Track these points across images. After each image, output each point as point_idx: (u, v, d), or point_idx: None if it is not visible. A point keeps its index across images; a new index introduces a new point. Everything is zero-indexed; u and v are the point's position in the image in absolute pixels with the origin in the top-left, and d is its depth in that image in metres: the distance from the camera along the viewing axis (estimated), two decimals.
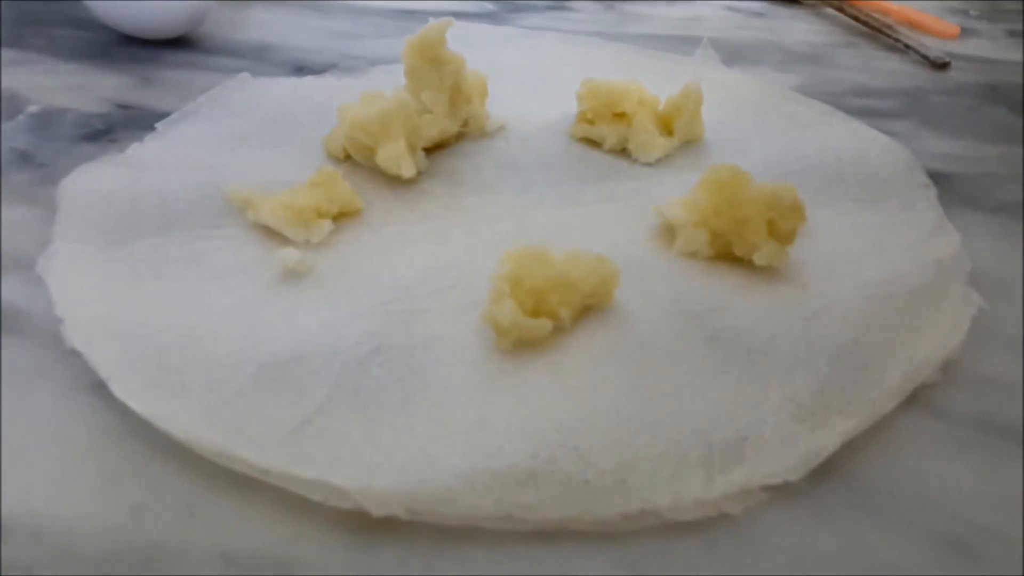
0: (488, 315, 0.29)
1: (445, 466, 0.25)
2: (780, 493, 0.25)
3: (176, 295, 0.31)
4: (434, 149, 0.41)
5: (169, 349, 0.29)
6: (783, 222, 0.32)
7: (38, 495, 0.25)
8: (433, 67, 0.40)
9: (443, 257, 0.34)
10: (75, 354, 0.29)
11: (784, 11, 0.61)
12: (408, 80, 0.41)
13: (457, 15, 0.55)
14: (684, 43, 0.54)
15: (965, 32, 0.56)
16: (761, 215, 0.32)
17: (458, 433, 0.26)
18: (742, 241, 0.33)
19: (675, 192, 0.38)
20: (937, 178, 0.39)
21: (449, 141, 0.42)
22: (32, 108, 0.45)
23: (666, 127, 0.41)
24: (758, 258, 0.32)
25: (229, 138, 0.41)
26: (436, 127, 0.40)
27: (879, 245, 0.34)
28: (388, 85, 0.41)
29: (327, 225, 0.35)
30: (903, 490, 0.26)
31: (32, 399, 0.28)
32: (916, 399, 0.29)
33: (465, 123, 0.42)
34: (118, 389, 0.27)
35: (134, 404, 0.26)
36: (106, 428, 0.27)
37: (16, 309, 0.32)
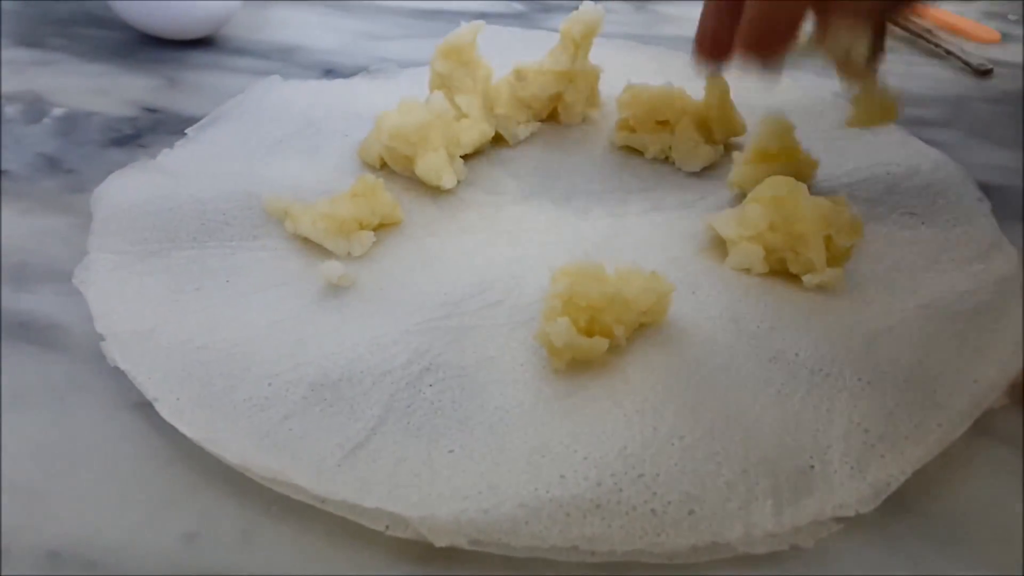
0: (542, 334, 0.28)
1: (508, 495, 0.24)
2: (851, 523, 0.24)
3: (218, 310, 0.30)
4: (471, 155, 0.40)
5: (215, 368, 0.28)
6: (840, 239, 0.32)
7: (88, 522, 0.24)
8: (466, 71, 0.40)
9: (489, 271, 0.33)
10: (117, 372, 0.28)
11: None
12: (435, 85, 0.40)
13: (485, 16, 0.54)
14: None
15: (1005, 37, 0.55)
16: (818, 231, 0.31)
17: (518, 459, 0.25)
18: (798, 258, 0.32)
19: (722, 203, 0.37)
20: (987, 190, 0.38)
21: (484, 147, 0.41)
22: (57, 111, 0.44)
23: (709, 134, 0.40)
24: (808, 280, 0.32)
25: (262, 144, 0.40)
26: (474, 133, 0.39)
27: (936, 261, 0.34)
28: (419, 88, 0.41)
29: (369, 237, 0.34)
30: (974, 520, 0.25)
31: (75, 419, 0.27)
32: (981, 423, 0.28)
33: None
34: (166, 411, 0.26)
35: (184, 427, 0.26)
36: (154, 451, 0.26)
37: (54, 323, 0.31)
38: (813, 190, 0.33)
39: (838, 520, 0.24)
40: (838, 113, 0.44)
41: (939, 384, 0.28)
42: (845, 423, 0.27)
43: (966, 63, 0.51)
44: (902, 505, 0.25)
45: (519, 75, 0.41)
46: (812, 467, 0.25)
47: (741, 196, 0.35)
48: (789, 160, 0.36)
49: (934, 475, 0.26)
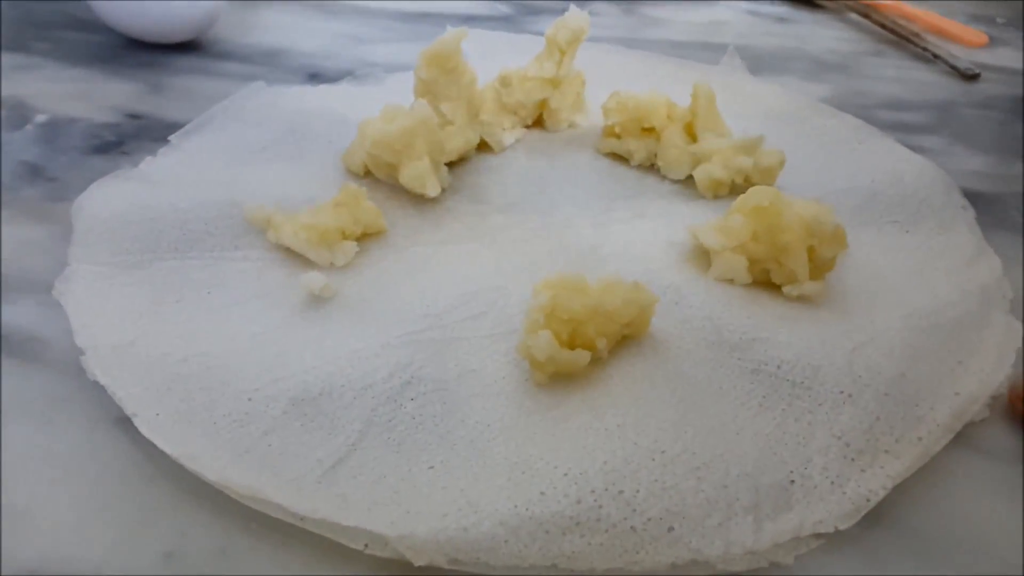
0: (523, 347, 0.28)
1: (488, 513, 0.24)
2: (831, 539, 0.24)
3: (198, 322, 0.30)
4: (456, 162, 0.40)
5: (194, 382, 0.28)
6: (823, 249, 0.32)
7: (65, 539, 0.24)
8: (451, 78, 0.39)
9: (472, 282, 0.33)
10: (97, 386, 0.28)
11: (807, 16, 0.60)
12: (420, 92, 0.40)
13: (471, 18, 0.54)
14: (707, 49, 0.53)
15: (992, 41, 0.55)
16: (801, 242, 0.31)
17: (499, 475, 0.25)
18: (781, 268, 0.32)
19: (707, 211, 0.37)
20: (972, 198, 0.38)
21: (469, 154, 0.41)
22: (40, 118, 0.44)
23: (695, 142, 0.40)
24: (789, 291, 0.32)
25: (245, 151, 0.40)
26: (458, 140, 0.39)
27: (919, 270, 0.34)
28: (405, 94, 0.41)
29: (352, 247, 0.34)
30: (954, 534, 0.25)
31: (54, 434, 0.27)
32: (962, 436, 0.28)
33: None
34: (145, 427, 0.26)
35: (163, 443, 0.25)
36: (133, 466, 0.26)
37: (32, 336, 0.31)
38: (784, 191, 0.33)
39: (818, 536, 0.24)
40: (822, 119, 0.44)
41: (921, 396, 0.28)
42: (825, 436, 0.27)
43: (953, 67, 0.51)
44: (882, 520, 0.25)
45: (504, 81, 0.41)
46: (792, 481, 0.25)
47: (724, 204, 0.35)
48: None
49: (915, 489, 0.26)
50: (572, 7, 0.41)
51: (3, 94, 0.45)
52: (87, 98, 0.45)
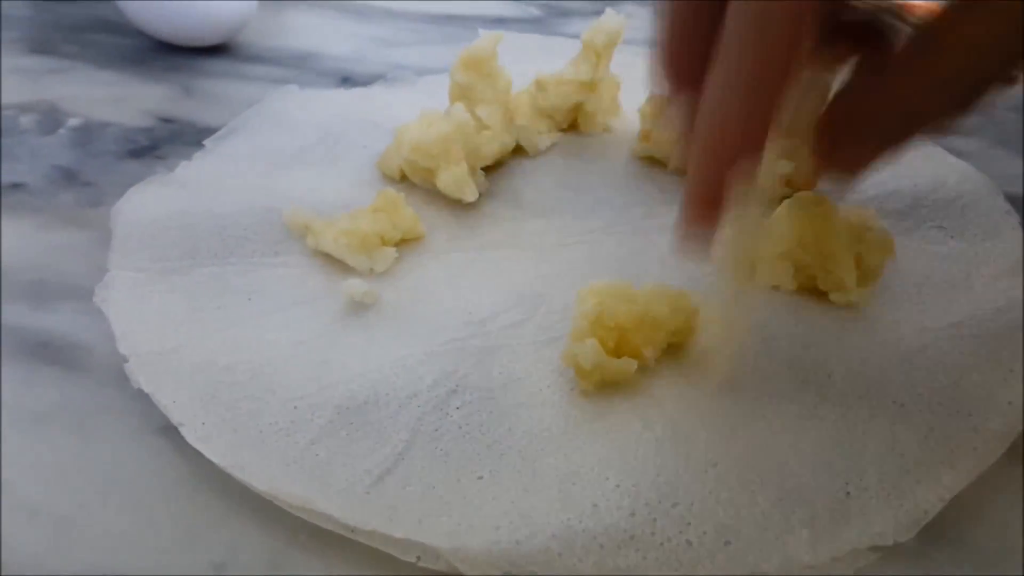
0: (569, 355, 0.28)
1: (540, 525, 0.23)
2: (888, 552, 0.24)
3: (240, 329, 0.30)
4: (491, 166, 0.40)
5: (239, 390, 0.28)
6: (871, 256, 0.31)
7: (111, 551, 0.24)
8: (487, 82, 0.39)
9: (514, 288, 0.32)
10: (141, 394, 0.27)
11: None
12: (455, 96, 0.39)
13: (502, 20, 0.54)
14: None
15: None
16: (848, 249, 0.31)
17: (550, 487, 0.25)
18: (828, 275, 0.31)
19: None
20: (1015, 202, 0.37)
21: (505, 158, 0.40)
22: (73, 121, 0.44)
23: None
24: (836, 298, 0.31)
25: (281, 156, 0.40)
26: (495, 145, 0.39)
27: (967, 277, 0.33)
28: (437, 96, 0.40)
29: (392, 253, 0.33)
30: (1012, 546, 0.25)
31: (99, 443, 0.27)
32: (1016, 447, 0.27)
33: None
34: (192, 436, 0.26)
35: (210, 453, 0.25)
36: (180, 477, 0.26)
37: (74, 343, 0.30)
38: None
39: (875, 549, 0.24)
40: None
41: (974, 406, 0.28)
42: (880, 447, 0.26)
43: None
44: (939, 532, 0.25)
45: (540, 85, 0.41)
46: (848, 494, 0.25)
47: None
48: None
49: (971, 501, 0.26)
50: (608, 10, 0.41)
51: (35, 98, 0.45)
52: (119, 102, 0.45)
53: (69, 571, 0.23)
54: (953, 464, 0.26)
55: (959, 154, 0.41)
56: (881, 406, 0.27)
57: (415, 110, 0.37)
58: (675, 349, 0.30)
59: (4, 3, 0.55)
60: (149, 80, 0.48)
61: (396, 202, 0.34)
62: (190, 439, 0.26)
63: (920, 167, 0.39)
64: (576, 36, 0.41)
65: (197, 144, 0.41)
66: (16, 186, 0.38)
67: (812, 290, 0.32)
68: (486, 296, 0.32)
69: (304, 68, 0.50)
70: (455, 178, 0.36)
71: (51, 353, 0.30)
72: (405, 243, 0.35)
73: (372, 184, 0.38)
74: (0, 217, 0.36)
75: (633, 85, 0.42)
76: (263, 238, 0.34)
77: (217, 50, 0.51)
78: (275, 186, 0.37)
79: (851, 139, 0.23)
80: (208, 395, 0.27)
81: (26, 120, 0.43)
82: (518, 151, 0.41)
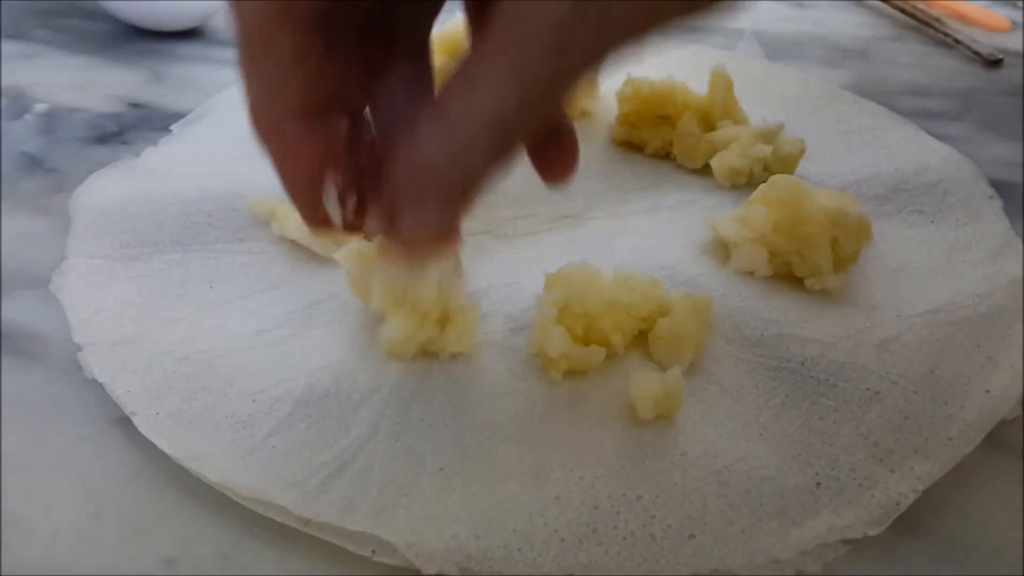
0: (536, 344, 0.27)
1: (500, 520, 0.23)
2: (858, 545, 0.23)
3: (201, 318, 0.29)
4: None
5: (196, 381, 0.27)
6: (847, 241, 0.30)
7: (64, 543, 0.23)
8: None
9: (483, 277, 0.32)
10: (96, 384, 0.27)
11: (824, 1, 0.59)
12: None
13: None
14: (723, 34, 0.51)
15: (1015, 25, 0.54)
16: (824, 233, 0.30)
17: (511, 480, 0.24)
18: (803, 261, 0.31)
19: (725, 201, 0.36)
20: (998, 186, 0.37)
21: None
22: (39, 107, 0.43)
23: (711, 130, 0.39)
24: (812, 284, 0.31)
25: (248, 141, 0.39)
26: None
27: (946, 262, 0.32)
28: None
29: (357, 240, 0.32)
30: (988, 539, 0.24)
31: (52, 435, 0.26)
32: (994, 435, 0.27)
33: None
34: (144, 426, 0.25)
35: (163, 443, 0.25)
36: (134, 469, 0.25)
37: (29, 332, 0.30)
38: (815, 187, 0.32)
39: (846, 542, 0.23)
40: (842, 106, 0.43)
41: (950, 394, 0.27)
42: (852, 436, 0.26)
43: (975, 52, 0.50)
44: (913, 524, 0.24)
45: None
46: (819, 484, 0.24)
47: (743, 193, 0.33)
48: None
49: (945, 492, 0.25)
50: None
51: (3, 83, 0.44)
52: (88, 87, 0.44)
53: (17, 565, 0.22)
54: (927, 454, 0.25)
55: (943, 138, 0.40)
56: (854, 394, 0.27)
57: None
58: (645, 335, 0.29)
59: None
60: (119, 65, 0.47)
61: None
62: (142, 429, 0.25)
63: (902, 151, 0.39)
64: None
65: (165, 130, 0.40)
66: None
67: (787, 276, 0.31)
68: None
69: None
70: None
71: (6, 342, 0.29)
72: None
73: None
74: None
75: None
76: (227, 225, 0.33)
77: (189, 34, 0.50)
78: (242, 172, 0.36)
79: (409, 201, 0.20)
80: (164, 386, 0.27)
81: None
82: None
